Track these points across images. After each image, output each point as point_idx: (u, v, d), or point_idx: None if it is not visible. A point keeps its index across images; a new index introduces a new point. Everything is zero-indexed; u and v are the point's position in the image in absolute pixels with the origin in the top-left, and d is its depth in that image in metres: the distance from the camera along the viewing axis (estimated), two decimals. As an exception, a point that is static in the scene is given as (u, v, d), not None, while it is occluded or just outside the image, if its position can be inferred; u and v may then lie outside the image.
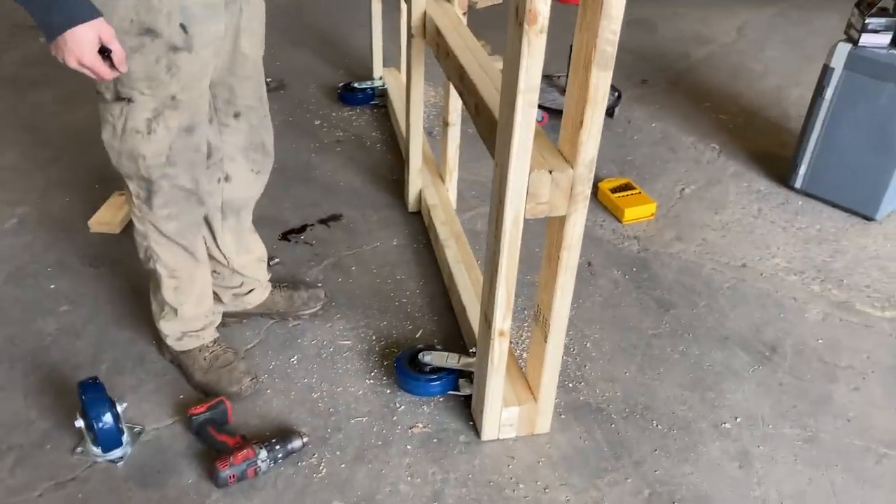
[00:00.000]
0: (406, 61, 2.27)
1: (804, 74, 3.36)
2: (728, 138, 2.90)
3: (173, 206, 1.55)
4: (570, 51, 3.13)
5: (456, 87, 1.82)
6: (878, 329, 1.99)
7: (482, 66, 1.70)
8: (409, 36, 2.15)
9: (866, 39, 2.21)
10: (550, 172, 1.32)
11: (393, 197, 2.51)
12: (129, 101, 1.39)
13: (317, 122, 2.96)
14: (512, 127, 1.24)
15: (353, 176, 2.63)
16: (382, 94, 3.12)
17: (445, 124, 2.32)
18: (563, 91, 3.05)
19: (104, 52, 1.28)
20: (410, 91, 2.24)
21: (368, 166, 2.69)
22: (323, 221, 2.38)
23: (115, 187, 2.42)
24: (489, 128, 1.49)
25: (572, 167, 1.33)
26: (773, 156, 2.75)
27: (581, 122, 1.28)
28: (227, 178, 1.68)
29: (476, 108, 1.60)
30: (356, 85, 3.11)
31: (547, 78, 3.10)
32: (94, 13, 1.24)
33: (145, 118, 1.41)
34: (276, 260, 2.17)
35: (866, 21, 2.19)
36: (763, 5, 4.34)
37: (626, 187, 2.51)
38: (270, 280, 1.96)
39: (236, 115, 1.60)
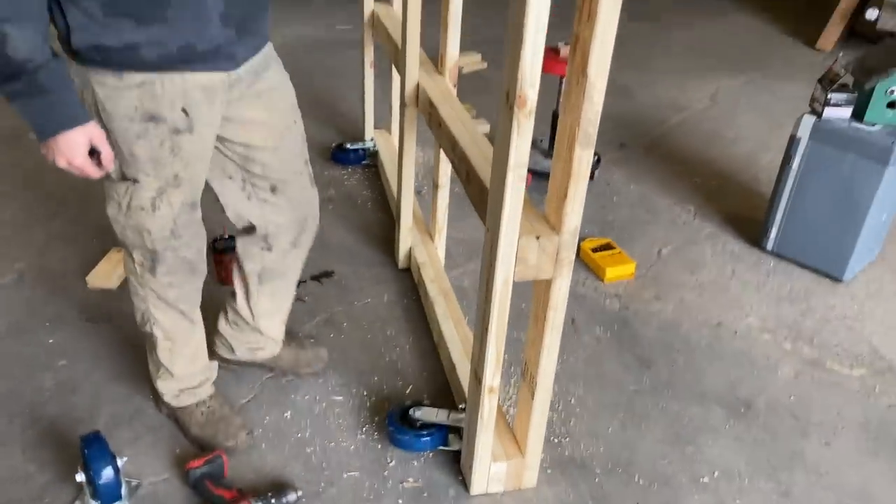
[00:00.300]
0: (399, 127, 2.39)
1: (773, 140, 3.53)
2: (703, 201, 3.04)
3: (175, 274, 1.62)
4: (553, 117, 3.27)
5: (447, 155, 1.93)
6: (847, 386, 2.09)
7: (472, 136, 1.82)
8: (403, 105, 2.27)
9: (829, 113, 2.37)
10: (538, 238, 1.42)
11: (383, 254, 2.60)
12: (135, 181, 1.46)
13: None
14: (502, 198, 1.34)
15: (344, 233, 2.72)
16: (373, 154, 3.23)
17: (435, 186, 2.42)
18: (545, 154, 3.19)
19: (93, 153, 1.35)
20: (403, 155, 2.35)
21: (360, 224, 2.78)
22: (315, 278, 2.46)
23: (112, 243, 2.49)
24: (480, 195, 1.59)
25: (558, 234, 1.43)
26: (746, 218, 2.88)
27: (566, 194, 1.38)
28: (268, 248, 1.75)
29: (467, 176, 1.71)
30: (348, 145, 3.23)
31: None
32: (84, 117, 1.32)
33: (150, 197, 1.48)
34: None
35: (829, 96, 2.35)
36: (734, 74, 4.55)
37: (607, 247, 2.62)
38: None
39: (273, 190, 1.66)
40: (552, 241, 1.42)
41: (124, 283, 2.31)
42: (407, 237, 2.50)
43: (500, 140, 1.33)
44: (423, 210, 2.74)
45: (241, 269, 1.81)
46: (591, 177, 3.14)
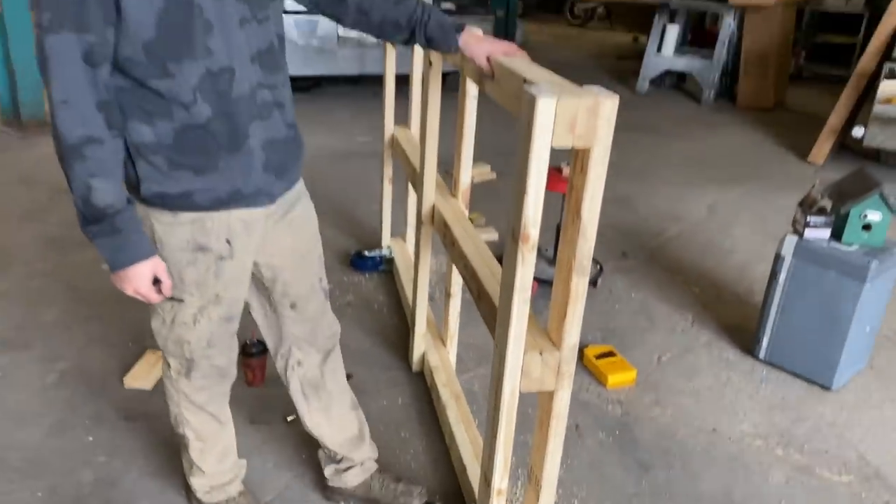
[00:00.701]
0: (415, 242, 2.61)
1: (767, 251, 3.71)
2: (700, 309, 3.22)
3: (207, 379, 1.80)
4: (556, 229, 3.49)
5: (460, 271, 2.14)
6: (835, 492, 2.21)
7: (482, 256, 2.03)
8: (419, 223, 2.50)
9: (809, 234, 2.59)
10: (541, 354, 1.60)
11: (398, 358, 2.78)
12: (180, 301, 1.66)
13: (329, 286, 3.26)
14: (509, 319, 1.53)
15: (362, 337, 2.90)
16: (389, 261, 3.46)
17: (447, 295, 2.63)
18: (549, 262, 3.41)
19: (155, 281, 1.57)
20: (418, 269, 2.57)
21: (376, 328, 2.97)
22: (335, 380, 2.62)
23: (147, 345, 2.68)
24: (489, 311, 1.79)
25: (559, 349, 1.61)
26: (740, 328, 3.06)
27: (565, 315, 1.58)
28: (299, 364, 1.93)
29: (478, 294, 1.91)
30: (366, 253, 3.46)
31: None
32: (151, 252, 1.54)
33: (192, 314, 1.67)
34: (293, 416, 2.39)
35: (808, 219, 2.57)
36: (731, 185, 4.83)
37: (609, 354, 2.79)
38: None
39: (293, 306, 1.85)
40: (554, 356, 1.61)
41: (159, 384, 2.50)
42: (421, 343, 2.68)
43: (507, 268, 1.54)
44: (435, 315, 2.93)
45: (292, 398, 1.99)
46: (594, 285, 3.35)
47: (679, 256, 3.75)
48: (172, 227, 1.58)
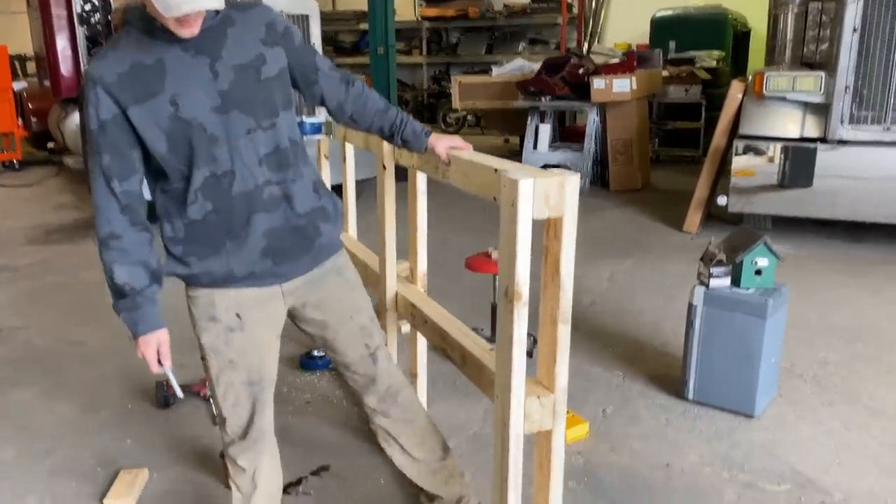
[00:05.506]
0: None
1: (669, 310, 4.19)
2: (627, 366, 3.58)
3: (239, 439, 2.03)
4: (492, 308, 3.72)
5: (437, 345, 2.36)
6: (779, 500, 2.53)
7: (459, 328, 2.28)
8: (382, 311, 2.72)
9: (714, 283, 3.02)
10: (538, 398, 1.85)
11: (371, 444, 2.90)
12: (204, 359, 1.96)
13: (284, 389, 3.37)
14: (511, 370, 1.78)
15: (329, 430, 3.02)
16: (337, 359, 3.61)
17: (413, 375, 2.83)
18: (488, 340, 3.67)
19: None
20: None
21: (341, 420, 3.10)
22: (314, 473, 2.72)
23: (120, 466, 2.68)
24: (477, 372, 2.03)
25: (553, 392, 1.87)
26: (665, 376, 3.42)
27: (555, 360, 1.84)
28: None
29: (462, 359, 2.15)
30: (315, 353, 3.60)
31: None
32: (159, 326, 1.87)
33: (214, 374, 1.96)
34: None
35: (711, 270, 3.01)
36: (622, 258, 5.35)
37: (560, 414, 3.05)
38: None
39: (346, 367, 2.17)
40: (549, 398, 1.86)
41: (141, 500, 2.50)
42: (392, 425, 2.84)
43: (504, 324, 1.79)
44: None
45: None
46: (531, 355, 3.63)
47: (598, 322, 4.14)
48: (193, 300, 1.92)
